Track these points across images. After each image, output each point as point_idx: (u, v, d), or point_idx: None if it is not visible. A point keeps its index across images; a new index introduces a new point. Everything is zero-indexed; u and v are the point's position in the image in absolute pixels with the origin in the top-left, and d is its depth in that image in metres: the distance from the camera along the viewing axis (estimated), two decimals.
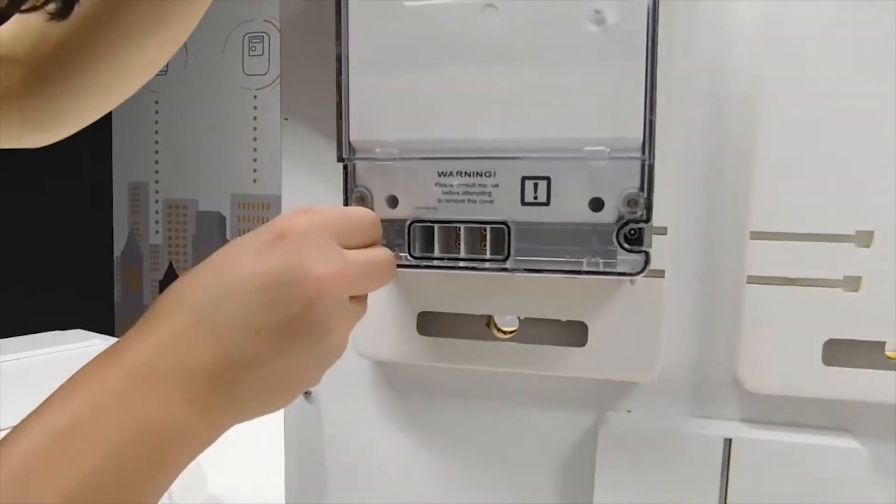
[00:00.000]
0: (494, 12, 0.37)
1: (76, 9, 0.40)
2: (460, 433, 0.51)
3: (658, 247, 0.42)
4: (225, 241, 0.34)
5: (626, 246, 0.37)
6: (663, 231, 0.43)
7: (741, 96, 0.43)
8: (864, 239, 0.41)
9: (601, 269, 0.38)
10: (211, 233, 2.91)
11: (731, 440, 0.44)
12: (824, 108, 0.40)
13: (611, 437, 0.46)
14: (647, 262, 0.37)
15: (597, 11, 0.36)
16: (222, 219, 2.90)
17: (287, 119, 0.51)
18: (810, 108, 0.40)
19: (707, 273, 0.44)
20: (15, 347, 1.32)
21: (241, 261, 0.33)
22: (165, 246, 3.02)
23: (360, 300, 0.37)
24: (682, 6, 0.42)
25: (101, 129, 3.16)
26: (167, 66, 3.18)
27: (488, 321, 0.48)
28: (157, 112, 3.07)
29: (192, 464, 0.86)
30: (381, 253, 0.38)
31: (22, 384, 1.17)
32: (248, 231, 0.35)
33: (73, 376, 0.31)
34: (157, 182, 3.08)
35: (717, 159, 0.44)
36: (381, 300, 0.48)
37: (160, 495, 0.31)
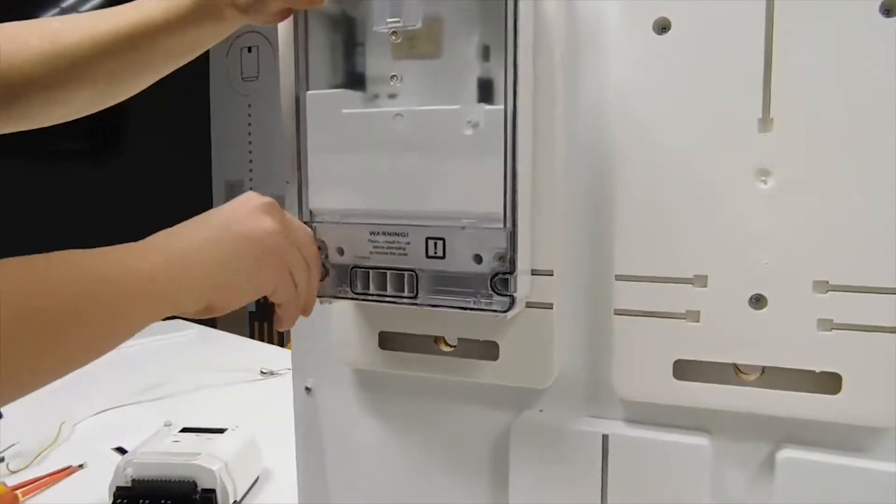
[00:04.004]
0: (402, 119, 0.51)
1: None
2: (414, 421, 0.65)
3: (546, 285, 0.55)
4: None
5: (497, 290, 0.50)
6: (550, 273, 0.55)
7: (608, 170, 0.55)
8: (701, 281, 0.52)
9: (482, 307, 0.51)
10: None
11: (607, 436, 0.56)
12: (666, 185, 0.52)
13: (521, 429, 0.59)
14: (512, 303, 0.50)
15: (469, 121, 0.49)
16: None
17: (288, 182, 0.66)
18: (655, 184, 0.52)
19: (586, 306, 0.57)
20: None
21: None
22: None
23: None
24: (562, 96, 0.54)
25: (201, 133, 3.45)
26: (258, 71, 3.43)
27: (436, 339, 0.62)
28: (249, 115, 3.35)
29: (248, 439, 1.00)
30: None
31: (121, 371, 1.37)
32: None
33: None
34: (250, 180, 3.34)
35: (593, 220, 0.56)
36: (351, 321, 0.62)
37: None
